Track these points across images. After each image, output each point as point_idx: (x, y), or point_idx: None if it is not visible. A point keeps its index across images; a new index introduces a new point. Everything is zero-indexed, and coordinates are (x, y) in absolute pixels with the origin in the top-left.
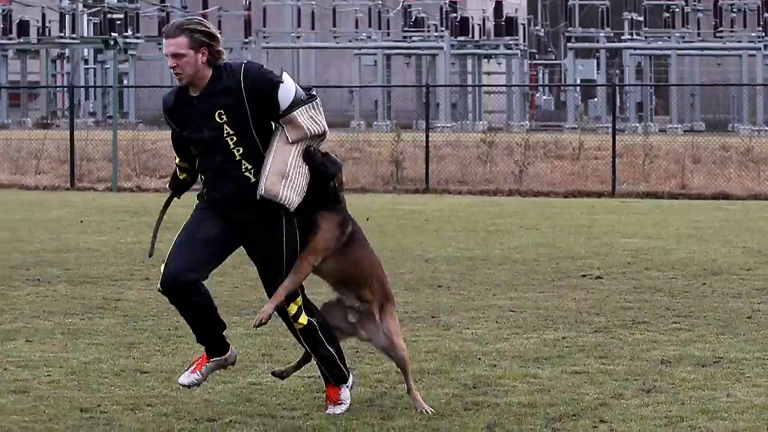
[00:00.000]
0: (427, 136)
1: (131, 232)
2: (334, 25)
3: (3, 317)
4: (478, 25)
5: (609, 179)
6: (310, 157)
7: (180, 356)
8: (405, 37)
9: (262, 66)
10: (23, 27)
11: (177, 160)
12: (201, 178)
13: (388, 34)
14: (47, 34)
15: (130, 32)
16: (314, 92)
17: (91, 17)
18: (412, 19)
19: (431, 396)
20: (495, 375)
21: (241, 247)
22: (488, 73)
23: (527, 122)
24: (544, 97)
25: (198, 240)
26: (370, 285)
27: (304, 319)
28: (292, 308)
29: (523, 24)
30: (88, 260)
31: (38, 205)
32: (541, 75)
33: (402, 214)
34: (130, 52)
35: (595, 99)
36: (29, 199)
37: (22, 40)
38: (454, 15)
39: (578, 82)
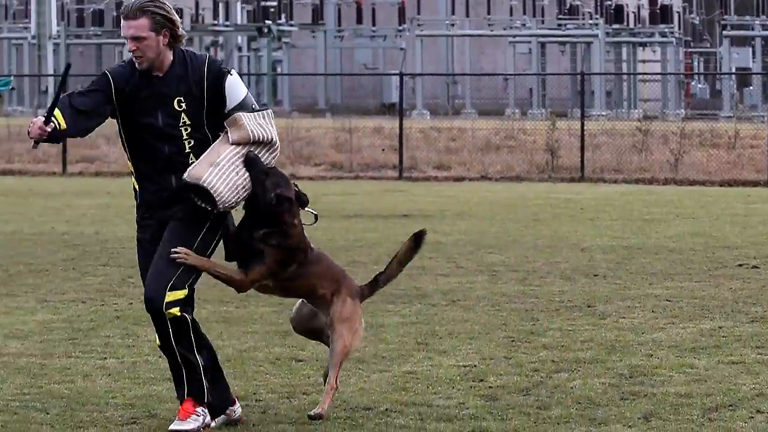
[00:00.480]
0: (583, 125)
1: None
2: (489, 13)
3: None
4: (633, 12)
5: (765, 168)
6: (250, 163)
7: None
8: (560, 25)
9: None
10: (177, 14)
11: (59, 115)
12: (134, 178)
13: (543, 22)
14: (201, 22)
15: (283, 20)
16: (267, 105)
17: (244, 5)
18: (567, 7)
19: (587, 385)
20: (651, 365)
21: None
22: (643, 61)
23: (682, 110)
24: (700, 86)
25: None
26: (321, 287)
27: (176, 311)
28: (174, 295)
29: (678, 12)
30: None
31: None
32: (696, 63)
33: (557, 202)
34: (283, 39)
35: (751, 87)
36: None
37: None
38: (609, 2)
39: (733, 70)
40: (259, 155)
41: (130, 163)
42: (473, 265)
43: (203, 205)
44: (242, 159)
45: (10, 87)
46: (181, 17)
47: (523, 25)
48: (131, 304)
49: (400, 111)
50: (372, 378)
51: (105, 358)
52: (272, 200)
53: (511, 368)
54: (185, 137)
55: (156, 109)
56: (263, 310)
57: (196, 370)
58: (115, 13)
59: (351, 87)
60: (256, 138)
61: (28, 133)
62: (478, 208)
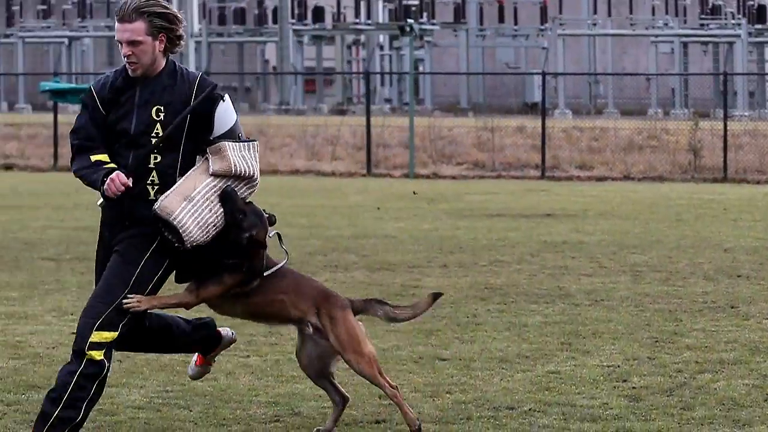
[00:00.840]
0: (725, 125)
1: (428, 219)
2: (631, 12)
3: None
4: None
5: None
6: (226, 197)
7: (479, 344)
8: (702, 25)
9: (215, 84)
10: (318, 13)
11: (93, 156)
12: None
13: (685, 22)
14: (342, 20)
15: (425, 18)
16: (255, 140)
17: (386, 3)
18: (709, 7)
19: (731, 386)
20: None
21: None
22: None
23: None
24: None
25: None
26: (292, 306)
27: (98, 354)
28: (101, 336)
29: None
30: (385, 247)
31: (335, 191)
32: None
33: (700, 203)
34: (425, 38)
35: None
36: (326, 185)
37: (317, 26)
38: (752, 2)
39: None
40: (237, 188)
41: None
42: (616, 265)
43: (170, 238)
44: (218, 194)
45: None
46: (323, 16)
47: (666, 24)
48: None
49: (542, 110)
50: (515, 377)
51: (248, 355)
52: (245, 241)
53: (654, 369)
54: (154, 150)
55: (132, 112)
56: None
57: (64, 423)
58: (257, 11)
59: (493, 86)
60: (238, 172)
61: (104, 192)
62: (620, 207)
